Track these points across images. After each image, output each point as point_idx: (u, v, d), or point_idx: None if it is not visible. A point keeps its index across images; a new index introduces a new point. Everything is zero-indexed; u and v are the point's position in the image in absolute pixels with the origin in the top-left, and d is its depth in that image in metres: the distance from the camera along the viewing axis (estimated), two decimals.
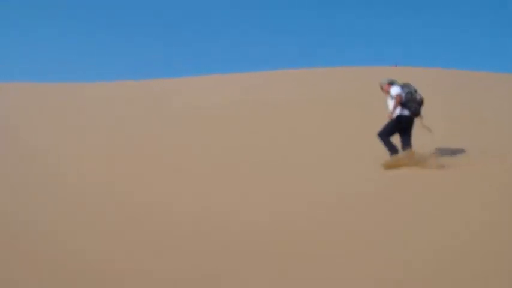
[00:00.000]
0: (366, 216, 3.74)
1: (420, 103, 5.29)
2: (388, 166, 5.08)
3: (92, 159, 7.33)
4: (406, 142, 5.26)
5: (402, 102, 5.22)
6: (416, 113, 5.26)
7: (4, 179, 6.20)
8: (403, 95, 5.25)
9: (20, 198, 5.12)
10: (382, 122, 5.41)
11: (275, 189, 4.89)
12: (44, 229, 4.00)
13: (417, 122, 5.37)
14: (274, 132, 8.75)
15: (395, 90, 5.28)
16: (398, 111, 5.25)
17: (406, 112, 5.24)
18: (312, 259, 2.96)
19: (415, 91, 5.32)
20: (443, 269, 2.65)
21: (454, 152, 5.78)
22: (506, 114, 9.06)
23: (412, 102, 5.22)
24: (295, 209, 4.13)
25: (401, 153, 5.12)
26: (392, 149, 5.20)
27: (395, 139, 5.37)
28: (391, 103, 5.34)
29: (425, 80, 12.02)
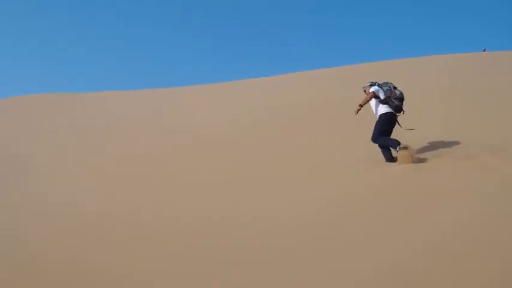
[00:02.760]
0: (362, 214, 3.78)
1: (401, 99, 5.39)
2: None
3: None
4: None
5: (383, 100, 5.33)
6: (398, 109, 5.34)
7: None
8: (382, 92, 5.35)
9: None
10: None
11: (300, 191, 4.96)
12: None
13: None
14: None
15: (372, 88, 5.40)
16: (382, 109, 5.35)
17: (389, 109, 5.32)
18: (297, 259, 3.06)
19: (394, 88, 5.43)
20: (433, 268, 2.66)
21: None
22: None
23: (392, 99, 5.32)
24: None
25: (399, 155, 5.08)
26: (389, 158, 5.24)
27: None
28: (373, 104, 5.47)
29: None
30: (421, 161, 5.09)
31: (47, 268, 3.56)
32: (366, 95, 5.50)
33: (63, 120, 16.65)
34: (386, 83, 5.49)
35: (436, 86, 10.65)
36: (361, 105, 5.32)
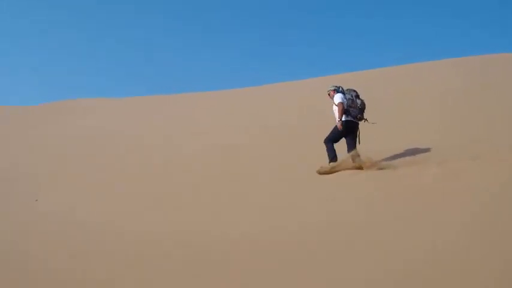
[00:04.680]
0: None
1: (361, 108, 5.55)
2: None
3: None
4: (351, 146, 5.49)
5: (344, 109, 5.47)
6: (357, 117, 5.52)
7: None
8: (345, 102, 5.50)
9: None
10: None
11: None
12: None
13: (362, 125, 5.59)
14: None
15: (337, 98, 5.55)
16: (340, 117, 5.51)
17: (348, 117, 5.48)
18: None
19: (356, 96, 5.58)
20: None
21: None
22: None
23: (352, 108, 5.50)
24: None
25: (343, 158, 5.38)
26: (333, 157, 5.41)
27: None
28: (335, 109, 5.58)
29: None
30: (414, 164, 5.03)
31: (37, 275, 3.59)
32: (330, 99, 5.75)
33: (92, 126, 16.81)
34: (349, 91, 5.65)
35: (447, 89, 10.51)
36: (340, 120, 5.50)
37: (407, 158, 5.45)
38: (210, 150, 8.56)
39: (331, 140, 5.52)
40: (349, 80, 16.79)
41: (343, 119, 5.48)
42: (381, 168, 5.09)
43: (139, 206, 5.42)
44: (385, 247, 3.02)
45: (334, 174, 5.32)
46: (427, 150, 5.66)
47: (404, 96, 10.86)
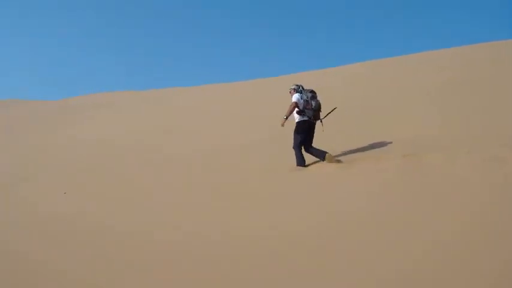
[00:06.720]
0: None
1: (316, 109, 5.76)
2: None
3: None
4: (310, 143, 5.76)
5: (300, 110, 5.71)
6: (313, 118, 5.75)
7: None
8: (301, 102, 5.73)
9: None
10: None
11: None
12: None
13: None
14: None
15: (293, 97, 5.80)
16: (297, 118, 5.75)
17: (305, 118, 5.71)
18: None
19: (312, 98, 5.78)
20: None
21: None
22: None
23: (308, 109, 5.72)
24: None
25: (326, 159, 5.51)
26: (301, 163, 5.63)
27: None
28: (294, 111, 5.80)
29: None
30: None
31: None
32: (290, 96, 5.92)
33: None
34: (306, 92, 5.83)
35: (443, 82, 10.46)
36: (286, 117, 5.78)
37: (404, 153, 5.37)
38: (209, 149, 8.53)
39: (298, 145, 5.70)
40: (347, 71, 16.80)
41: (300, 119, 5.71)
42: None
43: (139, 207, 5.41)
44: (386, 247, 3.02)
45: (334, 174, 5.30)
46: (423, 146, 5.61)
47: (398, 89, 10.81)
